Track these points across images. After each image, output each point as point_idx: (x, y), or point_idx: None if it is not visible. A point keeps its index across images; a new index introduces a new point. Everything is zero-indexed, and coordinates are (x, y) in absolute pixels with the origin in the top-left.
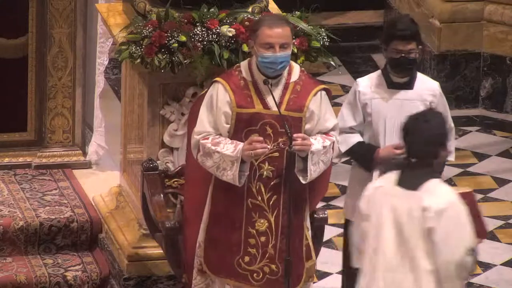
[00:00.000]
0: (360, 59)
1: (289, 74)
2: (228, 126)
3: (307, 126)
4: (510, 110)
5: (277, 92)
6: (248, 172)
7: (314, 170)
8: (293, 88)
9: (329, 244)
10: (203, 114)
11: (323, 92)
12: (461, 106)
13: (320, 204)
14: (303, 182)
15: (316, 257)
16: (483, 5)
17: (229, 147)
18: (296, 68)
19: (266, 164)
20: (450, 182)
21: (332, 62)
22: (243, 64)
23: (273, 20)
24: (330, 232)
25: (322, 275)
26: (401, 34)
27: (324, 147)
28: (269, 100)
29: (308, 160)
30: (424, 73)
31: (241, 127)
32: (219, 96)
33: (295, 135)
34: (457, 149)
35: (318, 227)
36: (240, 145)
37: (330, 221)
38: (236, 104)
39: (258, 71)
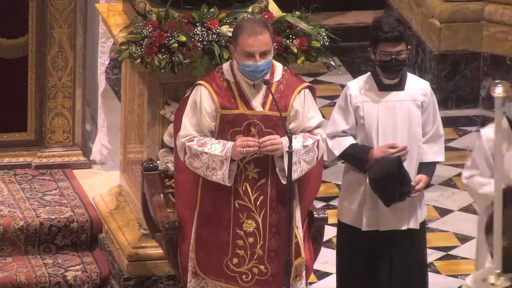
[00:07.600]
0: (360, 59)
1: (272, 74)
2: (213, 127)
3: (292, 125)
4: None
5: (261, 93)
6: (236, 170)
7: (294, 169)
8: (276, 88)
9: (329, 244)
10: (187, 118)
11: (307, 90)
12: (461, 106)
13: (320, 204)
14: (283, 182)
15: (316, 257)
16: (483, 5)
17: (217, 147)
18: (278, 67)
19: (252, 165)
20: (449, 182)
21: (332, 62)
22: (225, 66)
23: (252, 27)
24: (330, 232)
25: (322, 275)
26: (388, 36)
27: (305, 146)
28: (253, 101)
29: (284, 159)
30: (425, 73)
31: (226, 128)
32: (203, 99)
33: (261, 140)
34: (456, 149)
35: (318, 227)
36: (229, 143)
37: (330, 221)
38: (220, 105)
39: (240, 73)
